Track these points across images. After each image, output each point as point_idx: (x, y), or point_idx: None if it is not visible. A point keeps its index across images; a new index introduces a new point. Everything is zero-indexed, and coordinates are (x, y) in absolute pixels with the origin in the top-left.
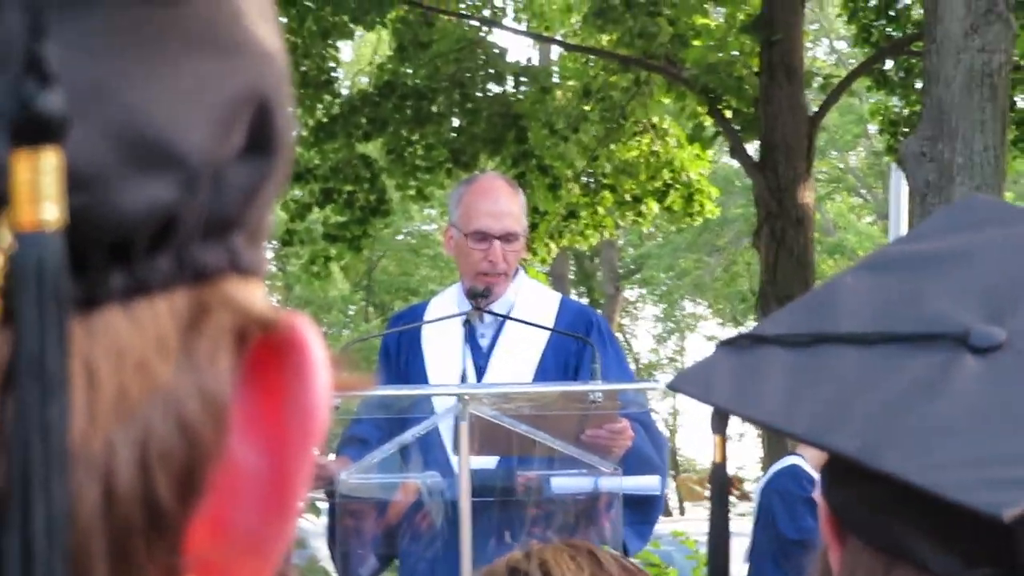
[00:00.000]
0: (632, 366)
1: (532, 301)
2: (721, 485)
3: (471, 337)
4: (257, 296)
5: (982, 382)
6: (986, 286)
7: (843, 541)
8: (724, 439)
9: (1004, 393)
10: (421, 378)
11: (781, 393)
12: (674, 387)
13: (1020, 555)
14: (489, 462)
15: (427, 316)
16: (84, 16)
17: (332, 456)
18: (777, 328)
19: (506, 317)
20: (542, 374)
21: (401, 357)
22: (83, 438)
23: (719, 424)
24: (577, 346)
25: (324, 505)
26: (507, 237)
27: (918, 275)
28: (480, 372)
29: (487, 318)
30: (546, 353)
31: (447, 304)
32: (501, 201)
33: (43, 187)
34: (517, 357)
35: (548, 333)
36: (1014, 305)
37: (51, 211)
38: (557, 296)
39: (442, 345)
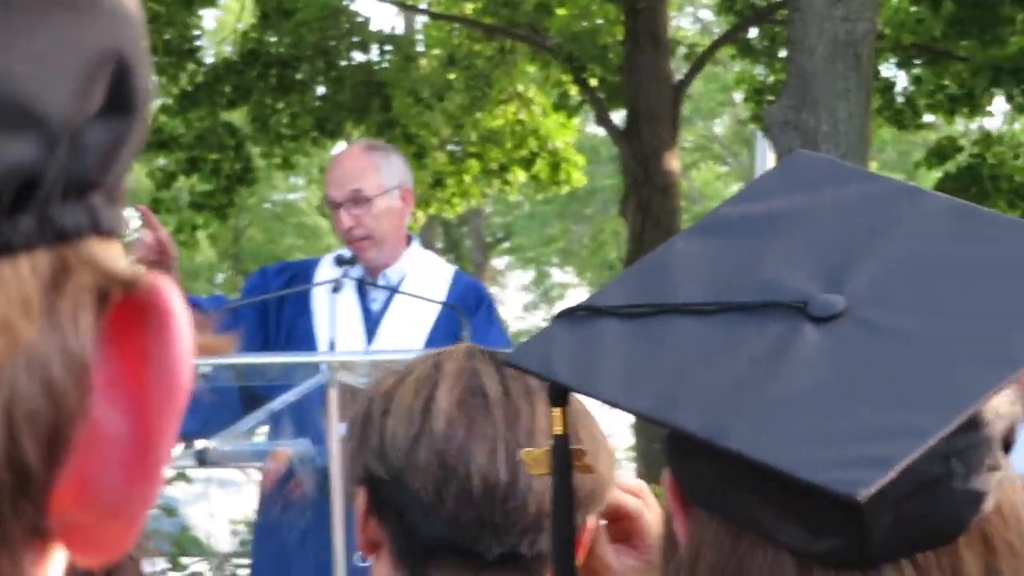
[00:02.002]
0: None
1: (425, 272)
2: (563, 458)
3: (364, 302)
4: (118, 256)
5: (824, 353)
6: (822, 250)
7: (688, 511)
8: (564, 411)
9: (847, 364)
10: (308, 336)
11: (620, 368)
12: (511, 362)
13: (866, 526)
14: None
15: (317, 274)
16: None
17: None
18: (614, 298)
19: (395, 289)
20: (432, 344)
21: (285, 311)
22: None
23: (558, 397)
24: (459, 319)
25: (195, 473)
26: (353, 200)
27: (752, 239)
28: (370, 336)
29: (380, 283)
30: (438, 324)
31: (331, 265)
32: (344, 166)
33: None
34: (407, 327)
35: (440, 305)
36: (851, 270)
37: None
38: (452, 269)
39: (324, 307)
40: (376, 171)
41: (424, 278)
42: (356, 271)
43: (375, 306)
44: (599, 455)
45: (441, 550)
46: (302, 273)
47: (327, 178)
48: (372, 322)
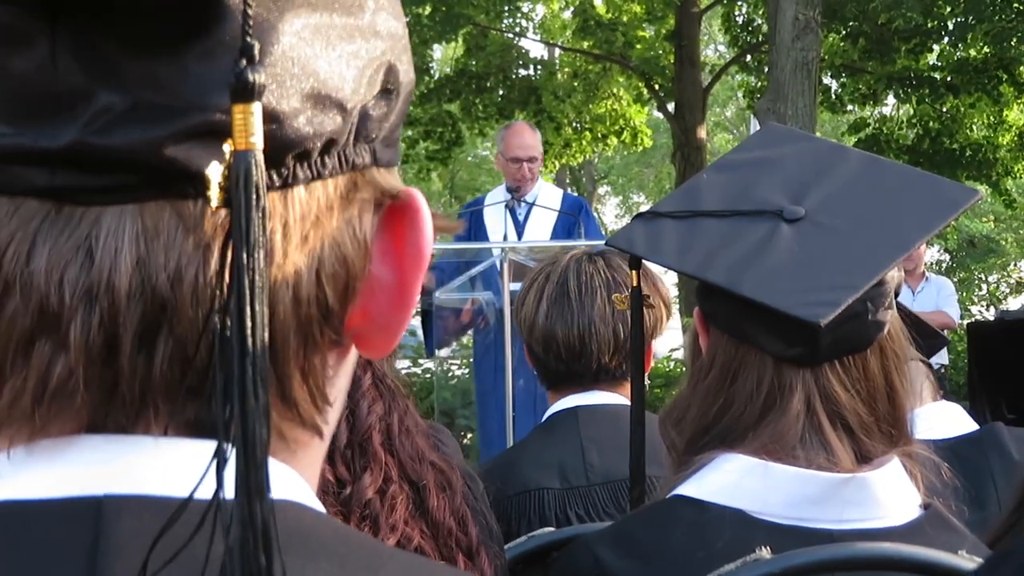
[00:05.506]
0: (604, 231)
1: (547, 194)
2: (637, 300)
3: (513, 214)
4: (389, 178)
5: (793, 241)
6: (789, 180)
7: (709, 331)
8: (639, 272)
9: (808, 248)
10: (484, 238)
11: (672, 247)
12: (609, 243)
13: (819, 339)
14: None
15: (487, 202)
16: (287, 20)
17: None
18: (667, 207)
19: (532, 204)
20: (555, 236)
21: (472, 226)
22: (279, 265)
23: (635, 263)
24: (574, 220)
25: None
26: (531, 160)
27: (747, 173)
28: (520, 234)
29: (523, 203)
30: (556, 224)
31: (498, 195)
32: (526, 139)
33: (249, 126)
34: (541, 226)
35: (557, 212)
36: (808, 192)
37: (254, 139)
38: (560, 191)
39: (496, 218)
40: (539, 143)
41: (547, 197)
42: (506, 196)
43: (520, 217)
44: (663, 305)
45: (557, 375)
46: (478, 205)
47: (513, 143)
48: (520, 226)
